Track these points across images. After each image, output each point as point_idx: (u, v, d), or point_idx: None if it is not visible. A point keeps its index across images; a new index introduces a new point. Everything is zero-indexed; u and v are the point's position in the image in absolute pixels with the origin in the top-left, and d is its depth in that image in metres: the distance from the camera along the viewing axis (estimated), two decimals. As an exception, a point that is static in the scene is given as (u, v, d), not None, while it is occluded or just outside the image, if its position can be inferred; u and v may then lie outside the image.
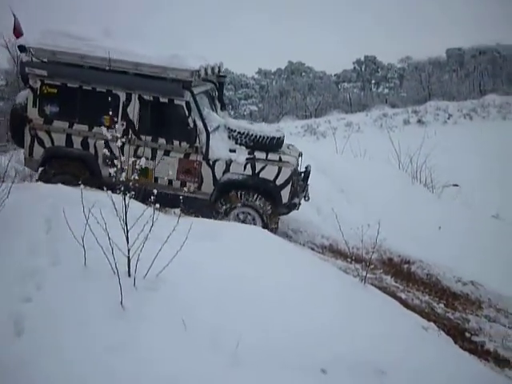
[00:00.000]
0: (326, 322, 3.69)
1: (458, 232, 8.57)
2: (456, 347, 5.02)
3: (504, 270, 7.33)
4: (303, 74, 59.43)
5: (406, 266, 7.39)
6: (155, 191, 3.81)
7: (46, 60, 6.78)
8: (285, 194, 6.84)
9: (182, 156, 6.87)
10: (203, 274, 3.87)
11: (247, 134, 6.90)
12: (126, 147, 6.73)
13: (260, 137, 6.90)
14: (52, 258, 3.79)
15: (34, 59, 6.80)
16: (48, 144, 6.98)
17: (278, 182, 6.83)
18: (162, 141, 6.85)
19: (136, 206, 3.94)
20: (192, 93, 6.70)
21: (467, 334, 5.91)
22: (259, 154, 6.88)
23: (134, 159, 6.42)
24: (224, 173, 6.87)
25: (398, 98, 59.73)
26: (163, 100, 6.78)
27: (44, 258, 3.80)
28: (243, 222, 6.77)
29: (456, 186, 20.00)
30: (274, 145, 6.98)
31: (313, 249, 7.36)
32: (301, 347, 3.31)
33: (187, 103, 6.73)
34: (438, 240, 8.09)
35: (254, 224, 6.73)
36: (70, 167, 6.84)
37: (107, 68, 6.62)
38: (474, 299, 6.81)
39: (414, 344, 4.17)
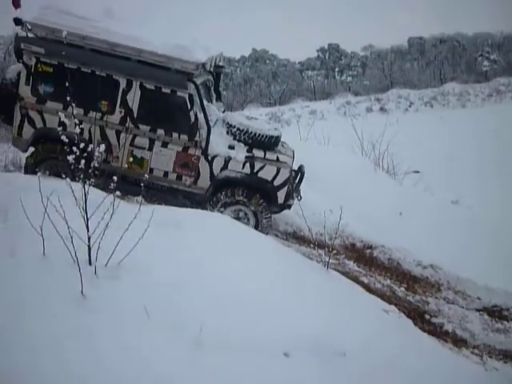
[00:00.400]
0: (288, 306, 3.73)
1: (418, 217, 8.77)
2: (416, 329, 5.15)
3: (462, 254, 7.55)
4: (267, 61, 59.34)
5: (368, 251, 7.51)
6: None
7: (43, 37, 6.45)
8: (281, 195, 6.82)
9: (180, 149, 6.72)
10: (166, 262, 3.84)
11: (246, 131, 6.81)
12: (123, 135, 6.61)
13: (259, 135, 6.81)
14: (9, 248, 3.68)
15: (30, 35, 6.49)
16: (39, 124, 6.66)
17: (276, 182, 6.78)
18: (160, 132, 6.68)
19: (96, 194, 3.87)
20: (196, 85, 6.60)
21: (427, 316, 6.08)
22: (257, 153, 6.80)
23: (130, 148, 6.53)
24: (222, 169, 6.77)
25: (361, 85, 60.37)
26: (165, 90, 6.59)
27: (0, 248, 3.69)
28: (238, 218, 6.67)
29: (417, 172, 20.40)
30: (271, 143, 6.94)
31: (276, 235, 7.40)
32: (264, 331, 3.34)
33: (190, 96, 6.59)
34: (399, 225, 8.26)
35: (247, 222, 6.71)
36: (62, 152, 6.60)
37: (109, 52, 6.43)
38: (434, 282, 6.99)
39: (375, 326, 4.27)
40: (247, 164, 6.73)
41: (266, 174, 6.75)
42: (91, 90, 6.42)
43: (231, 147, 6.78)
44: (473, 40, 73.23)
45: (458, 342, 5.61)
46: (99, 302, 3.23)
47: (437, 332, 5.69)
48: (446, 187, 16.93)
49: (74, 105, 4.27)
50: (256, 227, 6.66)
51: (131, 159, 6.56)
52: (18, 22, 6.45)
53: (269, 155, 6.82)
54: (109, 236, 3.49)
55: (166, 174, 6.76)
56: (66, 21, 6.36)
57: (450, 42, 69.21)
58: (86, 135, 6.34)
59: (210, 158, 6.72)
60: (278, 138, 7.00)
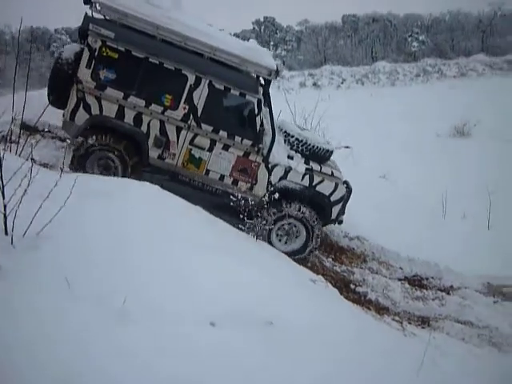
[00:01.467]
0: (215, 276, 3.70)
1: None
2: (341, 298, 5.32)
3: (387, 225, 7.84)
4: (202, 31, 58.18)
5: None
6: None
7: (112, 19, 6.05)
8: (335, 210, 6.71)
9: (241, 153, 6.46)
10: (89, 232, 3.68)
11: (305, 143, 6.68)
12: (184, 133, 6.31)
13: (317, 148, 6.72)
14: None
15: (97, 16, 6.07)
16: (95, 111, 6.15)
17: (333, 198, 6.67)
18: (223, 134, 6.39)
19: (13, 160, 3.63)
20: (266, 91, 6.44)
21: (352, 286, 6.29)
22: (314, 166, 6.67)
23: (189, 147, 6.29)
24: (280, 179, 6.56)
25: (296, 60, 60.63)
26: (234, 92, 6.35)
27: None
28: (287, 232, 6.60)
29: (348, 147, 20.92)
30: (326, 157, 6.85)
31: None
32: (190, 302, 3.30)
33: (259, 101, 6.39)
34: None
35: (297, 236, 6.57)
36: (116, 144, 6.14)
37: (181, 45, 6.13)
38: (360, 253, 7.23)
39: (302, 296, 4.34)
40: (306, 176, 6.58)
41: (325, 188, 6.63)
42: (156, 83, 6.21)
43: (290, 157, 6.63)
44: (403, 20, 75.24)
45: (381, 309, 5.86)
46: (16, 273, 3.06)
47: (361, 300, 5.91)
48: (375, 162, 17.45)
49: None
50: (307, 241, 6.53)
51: (188, 158, 6.37)
52: (87, 1, 6.03)
53: (324, 169, 6.72)
54: (28, 205, 3.30)
55: (222, 177, 6.50)
56: (138, 6, 6.04)
57: (382, 22, 70.78)
58: (144, 128, 6.19)
59: (270, 166, 6.52)
60: (332, 153, 6.93)
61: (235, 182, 6.52)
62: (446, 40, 72.45)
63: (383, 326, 5.11)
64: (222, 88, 6.31)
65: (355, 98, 42.46)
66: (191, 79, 6.22)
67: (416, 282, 6.82)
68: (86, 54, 6.04)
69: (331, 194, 6.65)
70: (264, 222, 6.16)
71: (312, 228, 6.51)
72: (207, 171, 6.45)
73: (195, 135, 6.33)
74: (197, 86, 6.25)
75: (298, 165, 6.58)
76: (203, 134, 6.34)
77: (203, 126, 6.33)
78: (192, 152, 6.36)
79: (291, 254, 6.24)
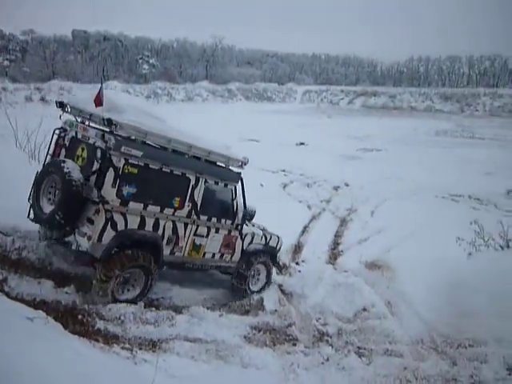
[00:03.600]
0: None
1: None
2: (66, 333, 4.84)
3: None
4: None
5: (15, 251, 6.79)
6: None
7: (132, 138, 6.35)
8: (279, 255, 9.11)
9: (226, 232, 7.74)
10: None
11: (251, 211, 8.24)
12: (189, 227, 7.12)
13: (253, 212, 8.33)
14: None
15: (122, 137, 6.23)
16: (121, 227, 6.26)
17: (278, 247, 8.87)
18: (214, 220, 7.50)
19: None
20: (241, 179, 7.79)
21: (79, 317, 5.82)
22: (258, 227, 8.70)
23: (193, 238, 7.22)
24: (249, 244, 8.18)
25: (21, 72, 56.21)
26: (220, 184, 7.55)
27: None
28: (254, 275, 8.34)
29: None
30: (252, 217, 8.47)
31: None
32: None
33: (235, 188, 7.81)
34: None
35: (263, 274, 8.51)
36: (139, 259, 6.45)
37: (185, 152, 6.89)
38: (87, 279, 6.77)
39: (17, 339, 3.75)
40: (263, 237, 8.47)
41: (273, 242, 8.70)
42: (167, 188, 6.77)
43: (248, 225, 8.29)
44: (134, 42, 76.94)
45: (111, 338, 5.54)
46: None
47: (89, 332, 5.49)
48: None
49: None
50: (268, 277, 8.53)
51: (192, 247, 7.25)
52: (109, 122, 6.08)
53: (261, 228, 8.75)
54: None
55: (213, 255, 7.68)
56: (148, 122, 6.47)
57: (113, 41, 70.93)
58: (160, 231, 6.72)
59: (243, 236, 8.02)
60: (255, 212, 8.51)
61: (222, 256, 7.82)
62: (175, 66, 76.76)
63: (111, 358, 4.79)
64: (213, 182, 7.42)
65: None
66: (193, 180, 7.07)
67: (147, 303, 6.70)
68: (110, 174, 6.14)
69: (277, 244, 8.80)
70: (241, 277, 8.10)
71: (271, 268, 8.67)
72: (204, 254, 7.50)
73: (197, 227, 7.23)
74: (196, 185, 7.14)
75: (257, 230, 8.43)
76: (202, 223, 7.31)
77: (201, 217, 7.27)
78: (195, 241, 7.30)
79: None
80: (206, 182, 7.21)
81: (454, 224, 13.77)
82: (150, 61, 72.18)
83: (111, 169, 6.13)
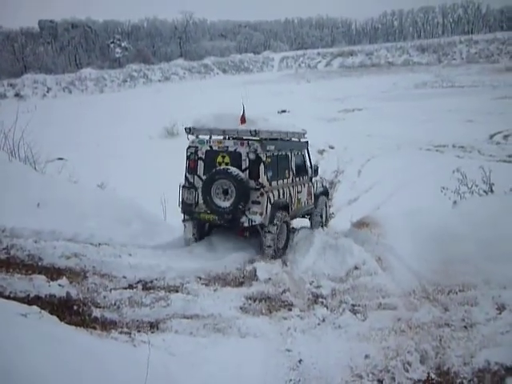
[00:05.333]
0: None
1: (58, 205, 8.43)
2: (62, 325, 4.89)
3: (104, 235, 7.62)
4: None
5: (4, 251, 6.80)
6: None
7: (264, 138, 8.58)
8: (330, 192, 12.82)
9: (307, 185, 10.36)
10: None
11: (316, 167, 10.87)
12: (294, 188, 9.62)
13: (315, 166, 10.95)
14: None
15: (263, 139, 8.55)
16: (273, 199, 8.65)
17: (327, 186, 12.30)
18: (301, 179, 10.02)
19: None
20: (307, 146, 10.54)
21: (75, 307, 5.87)
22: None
23: (297, 195, 9.77)
24: (316, 189, 11.07)
25: (-9, 70, 55.05)
26: (299, 153, 10.09)
27: None
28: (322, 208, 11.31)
29: (61, 159, 19.90)
30: None
31: None
32: None
33: (306, 152, 10.59)
34: (37, 215, 7.77)
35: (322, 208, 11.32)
36: (285, 217, 8.92)
37: (287, 139, 9.59)
38: (79, 270, 6.82)
39: (8, 335, 3.79)
40: (321, 182, 11.79)
41: (325, 183, 12.43)
42: (281, 166, 9.17)
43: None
44: (104, 26, 75.33)
45: (108, 325, 5.60)
46: None
47: (86, 321, 5.55)
48: (92, 172, 17.00)
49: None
50: (327, 206, 11.71)
51: (297, 201, 9.74)
52: (254, 133, 8.26)
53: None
54: None
55: (304, 203, 10.23)
56: (268, 125, 8.76)
57: (82, 28, 69.42)
58: (288, 199, 9.29)
59: (313, 185, 10.89)
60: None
61: (307, 202, 10.37)
62: (148, 46, 75.44)
63: (109, 344, 4.85)
64: (296, 153, 9.88)
65: (63, 106, 40.76)
66: (289, 156, 9.51)
67: (142, 287, 6.76)
68: (261, 167, 8.41)
69: (327, 185, 12.46)
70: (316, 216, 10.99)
71: (327, 202, 11.73)
72: (302, 203, 10.05)
73: (297, 187, 9.71)
74: (291, 159, 9.59)
75: (319, 177, 11.36)
76: (298, 183, 9.79)
77: (295, 179, 9.70)
78: (298, 196, 9.78)
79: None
80: (292, 154, 9.60)
81: (440, 174, 13.90)
82: (122, 44, 70.86)
83: (262, 163, 8.40)
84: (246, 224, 8.33)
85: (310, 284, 7.14)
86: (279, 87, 53.44)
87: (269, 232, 8.43)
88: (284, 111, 33.99)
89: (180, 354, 4.92)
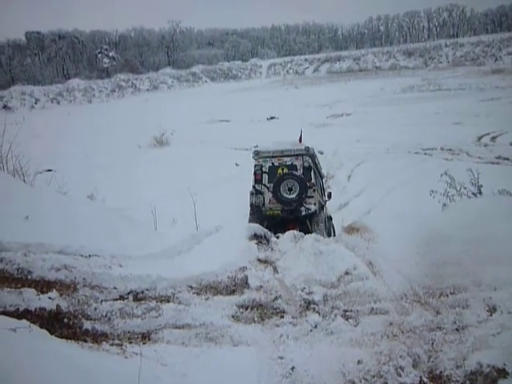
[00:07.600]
0: None
1: (47, 217, 8.39)
2: (52, 338, 4.84)
3: (94, 246, 7.58)
4: None
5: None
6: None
7: (312, 153, 12.12)
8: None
9: (314, 190, 12.07)
10: None
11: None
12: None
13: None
14: None
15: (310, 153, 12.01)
16: (318, 197, 12.13)
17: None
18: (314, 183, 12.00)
19: None
20: (312, 156, 12.23)
21: (66, 320, 5.81)
22: None
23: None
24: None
25: (-22, 82, 54.74)
26: (305, 164, 11.83)
27: None
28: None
29: (50, 171, 19.80)
30: None
31: None
32: None
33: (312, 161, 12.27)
34: (26, 227, 7.70)
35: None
36: (324, 205, 13.35)
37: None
38: (70, 283, 6.76)
39: (4, 352, 3.75)
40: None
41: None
42: (317, 173, 12.98)
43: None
44: (91, 37, 75.23)
45: (99, 337, 5.55)
46: None
47: (77, 334, 5.50)
48: (81, 182, 16.93)
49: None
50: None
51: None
52: (307, 149, 11.82)
53: None
54: None
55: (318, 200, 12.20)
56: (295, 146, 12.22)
57: (69, 38, 69.31)
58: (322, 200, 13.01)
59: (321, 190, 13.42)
60: None
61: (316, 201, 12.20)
62: (135, 56, 75.41)
63: (101, 356, 4.82)
64: (305, 165, 11.82)
65: (52, 117, 40.66)
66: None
67: (133, 297, 6.71)
68: (312, 172, 11.77)
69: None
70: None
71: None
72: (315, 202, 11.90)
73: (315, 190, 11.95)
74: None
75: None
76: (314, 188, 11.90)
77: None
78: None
79: None
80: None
81: (429, 177, 13.99)
82: (110, 54, 70.84)
83: (312, 170, 11.74)
84: (303, 212, 11.33)
85: (302, 290, 7.13)
86: (268, 94, 53.60)
87: (319, 218, 11.62)
88: (273, 118, 34.09)
89: (172, 365, 4.89)
